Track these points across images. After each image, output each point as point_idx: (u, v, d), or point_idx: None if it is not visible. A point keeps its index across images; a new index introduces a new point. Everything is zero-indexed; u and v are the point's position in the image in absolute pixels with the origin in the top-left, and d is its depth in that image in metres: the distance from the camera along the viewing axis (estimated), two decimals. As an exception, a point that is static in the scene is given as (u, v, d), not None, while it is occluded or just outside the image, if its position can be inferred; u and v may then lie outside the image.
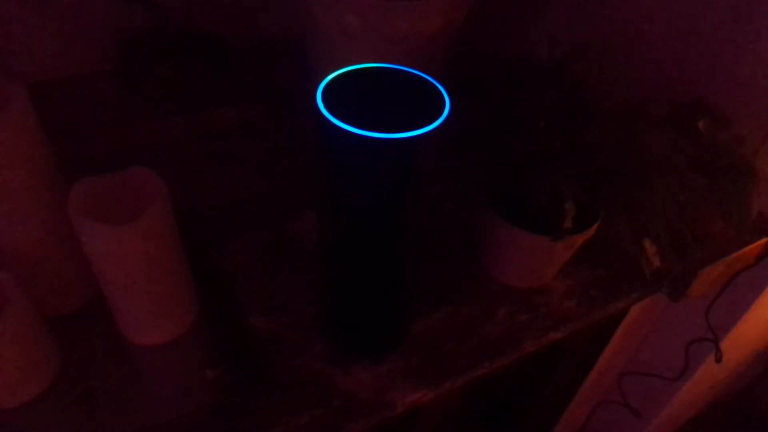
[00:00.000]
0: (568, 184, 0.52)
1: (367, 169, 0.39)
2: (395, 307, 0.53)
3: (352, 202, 0.42)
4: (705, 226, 0.68)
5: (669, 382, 0.98)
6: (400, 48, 0.63)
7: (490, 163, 0.60)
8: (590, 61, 0.60)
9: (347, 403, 0.52)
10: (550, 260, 0.62)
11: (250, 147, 0.77)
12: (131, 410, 0.50)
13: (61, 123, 0.75)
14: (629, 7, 0.77)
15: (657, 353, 1.01)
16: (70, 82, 0.81)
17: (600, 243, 0.60)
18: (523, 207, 0.56)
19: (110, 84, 0.81)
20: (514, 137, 0.56)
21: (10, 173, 0.44)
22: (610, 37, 0.81)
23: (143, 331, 0.53)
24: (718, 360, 0.86)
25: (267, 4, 0.88)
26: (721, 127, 0.61)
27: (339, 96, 0.38)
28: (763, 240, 0.72)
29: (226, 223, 0.66)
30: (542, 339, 0.60)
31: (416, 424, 0.79)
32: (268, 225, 0.67)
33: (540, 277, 0.64)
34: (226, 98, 0.82)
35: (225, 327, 0.57)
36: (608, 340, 0.92)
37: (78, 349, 0.52)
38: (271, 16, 0.90)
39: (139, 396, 0.51)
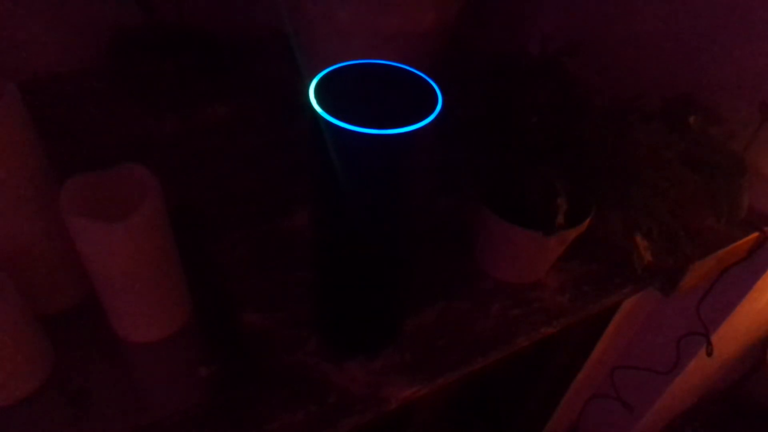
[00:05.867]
0: (561, 180, 0.52)
1: (360, 165, 0.39)
2: (389, 303, 0.53)
3: (345, 199, 0.42)
4: (696, 221, 0.69)
5: (661, 375, 0.99)
6: (393, 44, 0.63)
7: (483, 159, 0.60)
8: (582, 57, 0.60)
9: (341, 399, 0.52)
10: (543, 255, 0.62)
11: (242, 143, 0.77)
12: (125, 408, 0.49)
13: (53, 120, 0.74)
14: (621, 4, 0.77)
15: (649, 347, 1.02)
16: (62, 78, 0.80)
17: (592, 238, 0.61)
18: (516, 203, 0.56)
19: (102, 81, 0.81)
20: (506, 133, 0.56)
21: (1, 170, 0.44)
22: (602, 34, 0.81)
23: (136, 328, 0.53)
24: (710, 353, 0.87)
25: (259, 0, 0.88)
26: (712, 123, 0.61)
27: (331, 92, 0.38)
28: (754, 234, 0.72)
29: (219, 220, 0.66)
30: (535, 334, 0.60)
31: (410, 420, 0.79)
32: (261, 221, 0.67)
33: (533, 272, 0.65)
34: (218, 95, 0.82)
35: (218, 324, 0.57)
36: (600, 335, 0.93)
37: (71, 347, 0.52)
38: (263, 12, 0.89)
39: (133, 394, 0.51)
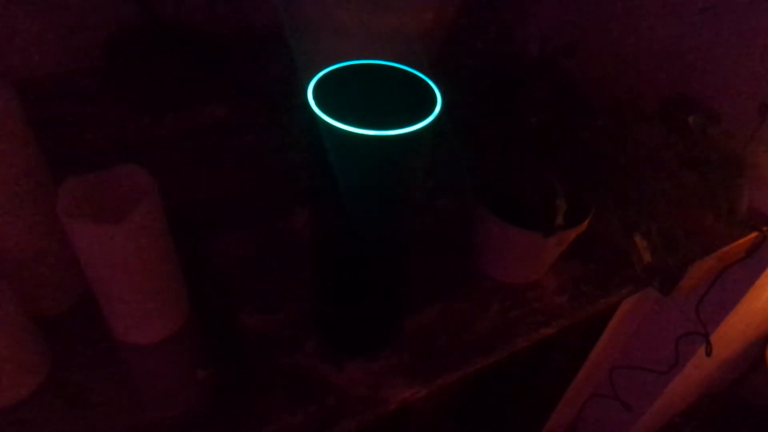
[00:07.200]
0: (560, 180, 0.52)
1: (359, 166, 0.39)
2: (388, 304, 0.53)
3: (344, 200, 0.42)
4: (695, 221, 0.69)
5: (660, 375, 0.99)
6: (392, 44, 0.62)
7: (482, 159, 0.60)
8: (581, 57, 0.60)
9: (340, 400, 0.52)
10: (542, 256, 0.62)
11: (240, 144, 0.77)
12: (122, 410, 0.49)
13: (49, 121, 0.74)
14: (619, 4, 0.77)
15: (648, 347, 1.02)
16: (58, 78, 0.80)
17: (591, 238, 0.61)
18: (515, 203, 0.56)
19: (99, 81, 0.80)
20: (505, 134, 0.56)
21: (-2, 171, 0.44)
22: (601, 34, 0.81)
23: (134, 330, 0.53)
24: (709, 353, 0.87)
25: (257, 0, 0.88)
26: (711, 123, 0.61)
27: (330, 93, 0.38)
28: (753, 234, 0.72)
29: (216, 221, 0.66)
30: (534, 334, 0.60)
31: (410, 420, 0.79)
32: (259, 222, 0.66)
33: (532, 272, 0.65)
34: (216, 95, 0.82)
35: (216, 326, 0.57)
36: (600, 335, 0.93)
37: (68, 349, 0.52)
38: (261, 12, 0.89)
39: (131, 396, 0.51)
